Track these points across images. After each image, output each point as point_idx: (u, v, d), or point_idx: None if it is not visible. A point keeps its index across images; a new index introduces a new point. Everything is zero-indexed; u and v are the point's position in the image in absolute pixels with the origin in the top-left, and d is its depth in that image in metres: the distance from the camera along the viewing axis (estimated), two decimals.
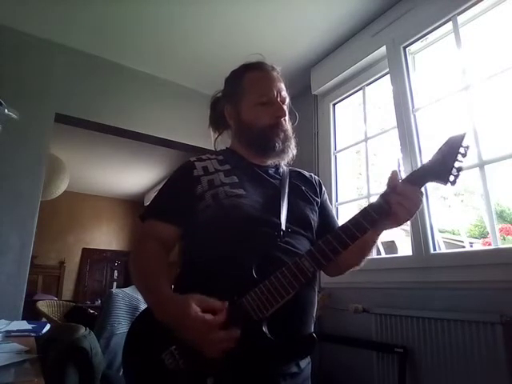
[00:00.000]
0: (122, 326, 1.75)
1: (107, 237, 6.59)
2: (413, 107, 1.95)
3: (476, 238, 4.07)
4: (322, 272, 0.92)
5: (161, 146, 2.86)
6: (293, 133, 1.00)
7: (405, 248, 3.21)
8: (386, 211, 0.75)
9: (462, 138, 0.75)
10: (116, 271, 6.60)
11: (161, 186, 0.97)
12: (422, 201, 0.76)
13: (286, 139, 0.96)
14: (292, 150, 0.99)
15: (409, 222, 0.83)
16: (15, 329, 1.41)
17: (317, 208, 1.00)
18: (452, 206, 3.46)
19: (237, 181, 0.90)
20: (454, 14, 1.78)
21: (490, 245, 1.60)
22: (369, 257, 0.93)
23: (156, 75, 2.74)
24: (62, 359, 1.07)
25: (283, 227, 0.85)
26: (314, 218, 0.97)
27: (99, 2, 2.06)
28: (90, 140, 3.97)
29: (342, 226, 0.77)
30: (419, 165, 1.81)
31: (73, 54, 2.45)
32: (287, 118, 0.98)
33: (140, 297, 1.85)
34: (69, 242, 6.13)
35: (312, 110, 2.67)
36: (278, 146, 0.95)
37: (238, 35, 2.31)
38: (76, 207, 6.20)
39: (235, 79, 1.03)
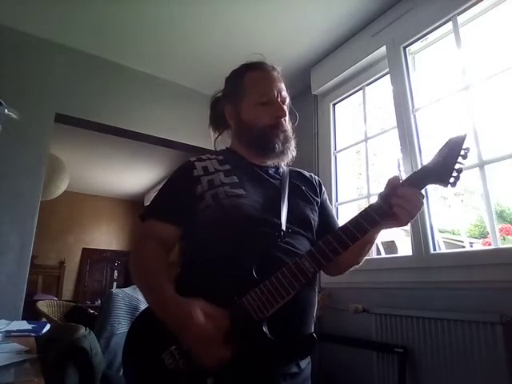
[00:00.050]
0: (121, 326, 1.75)
1: (107, 237, 6.59)
2: (413, 107, 1.95)
3: (476, 237, 4.08)
4: (322, 272, 0.92)
5: (161, 145, 2.86)
6: (293, 133, 1.00)
7: (405, 248, 3.22)
8: (387, 213, 0.75)
9: (462, 139, 0.75)
10: (116, 271, 6.60)
11: (161, 186, 0.97)
12: (422, 203, 0.76)
13: (286, 140, 0.96)
14: (292, 152, 0.99)
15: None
16: (15, 329, 1.41)
17: (317, 208, 1.00)
18: (452, 206, 3.46)
19: (237, 181, 0.90)
20: (454, 14, 1.78)
21: (490, 245, 1.60)
22: (368, 256, 0.93)
23: (156, 75, 2.74)
24: (61, 359, 1.07)
25: (283, 227, 0.85)
26: (314, 218, 0.97)
27: (99, 2, 2.06)
28: (89, 140, 3.97)
29: (343, 226, 0.77)
30: (419, 165, 1.81)
31: (73, 53, 2.45)
32: (287, 118, 0.98)
33: (140, 297, 1.85)
34: (69, 242, 6.13)
35: (312, 110, 2.67)
36: (278, 147, 0.95)
37: (238, 35, 2.31)
38: (76, 207, 6.20)
39: (236, 79, 1.03)
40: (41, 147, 2.25)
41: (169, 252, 0.89)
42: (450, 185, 0.74)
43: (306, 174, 1.09)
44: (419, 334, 1.64)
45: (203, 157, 0.99)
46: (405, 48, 2.04)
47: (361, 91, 2.39)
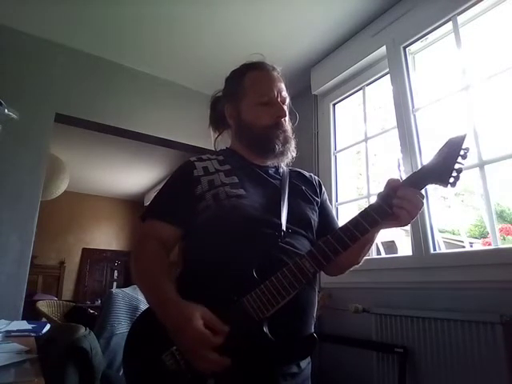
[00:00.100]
0: (122, 326, 1.75)
1: (107, 237, 6.59)
2: (413, 107, 1.95)
3: (476, 237, 4.08)
4: (322, 272, 0.92)
5: (161, 145, 2.86)
6: (293, 133, 1.00)
7: (405, 248, 3.22)
8: (387, 213, 0.75)
9: (462, 139, 0.75)
10: (116, 271, 6.60)
11: (161, 186, 0.97)
12: (422, 203, 0.76)
13: (286, 140, 0.96)
14: (292, 152, 0.99)
15: None
16: (15, 329, 1.41)
17: (317, 208, 1.00)
18: (452, 206, 3.46)
19: (237, 181, 0.90)
20: (454, 14, 1.78)
21: (490, 245, 1.60)
22: (368, 256, 0.93)
23: (156, 75, 2.74)
24: (61, 359, 1.07)
25: (283, 227, 0.85)
26: (314, 218, 0.97)
27: (99, 2, 2.06)
28: (89, 140, 3.97)
29: (343, 226, 0.77)
30: (419, 165, 1.81)
31: (73, 53, 2.45)
32: (287, 118, 0.98)
33: (140, 297, 1.85)
34: (69, 242, 6.13)
35: (312, 109, 2.67)
36: (278, 147, 0.95)
37: (238, 35, 2.31)
38: (76, 207, 6.20)
39: (236, 79, 1.03)
40: (41, 147, 2.25)
41: (169, 252, 0.89)
42: (449, 185, 0.74)
43: (306, 174, 1.09)
44: (419, 333, 1.63)
45: (203, 157, 0.99)
46: (405, 48, 2.04)
47: (361, 91, 2.39)
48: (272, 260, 0.79)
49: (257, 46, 2.33)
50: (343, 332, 2.05)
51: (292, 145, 0.99)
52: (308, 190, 1.01)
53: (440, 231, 1.96)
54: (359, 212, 0.78)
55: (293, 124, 1.02)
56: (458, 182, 0.74)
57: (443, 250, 1.79)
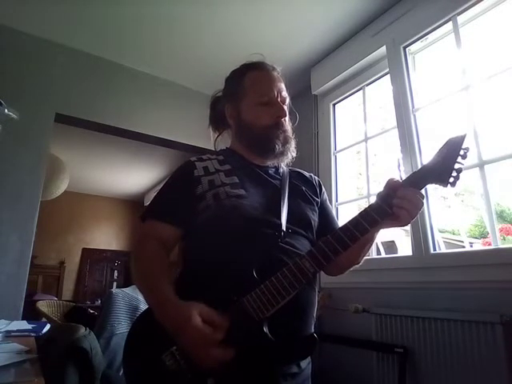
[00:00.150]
0: (122, 326, 1.75)
1: (107, 237, 6.59)
2: (413, 107, 1.95)
3: (476, 237, 4.08)
4: (322, 272, 0.92)
5: (161, 145, 2.86)
6: (293, 133, 1.00)
7: (405, 248, 3.22)
8: (387, 213, 0.75)
9: (462, 139, 0.75)
10: (116, 271, 6.60)
11: (161, 186, 0.97)
12: (422, 203, 0.76)
13: (286, 141, 0.96)
14: (292, 152, 0.99)
15: None
16: (15, 329, 1.41)
17: (317, 208, 1.00)
18: (452, 206, 3.46)
19: (237, 181, 0.90)
20: (454, 14, 1.78)
21: (490, 245, 1.60)
22: (368, 256, 0.93)
23: (156, 75, 2.74)
24: (61, 359, 1.07)
25: (284, 228, 0.85)
26: (314, 218, 0.97)
27: (99, 2, 2.06)
28: (89, 140, 3.97)
29: (343, 226, 0.77)
30: (419, 165, 1.81)
31: (73, 53, 2.45)
32: (287, 118, 0.98)
33: (140, 297, 1.85)
34: (69, 242, 6.13)
35: (312, 109, 2.67)
36: (278, 147, 0.95)
37: (238, 35, 2.31)
38: (76, 207, 6.20)
39: (236, 79, 1.03)
40: (41, 147, 2.25)
41: (169, 252, 0.89)
42: (449, 185, 0.74)
43: (306, 174, 1.09)
44: (419, 333, 1.63)
45: (203, 157, 0.99)
46: (405, 48, 2.04)
47: (361, 91, 2.39)
48: (272, 260, 0.79)
49: (257, 45, 2.33)
50: (343, 332, 2.05)
51: (292, 145, 0.99)
52: (308, 190, 1.01)
53: (440, 231, 1.96)
54: (359, 212, 0.78)
55: (293, 124, 1.02)
56: (457, 182, 0.74)
57: (443, 249, 1.79)
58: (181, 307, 0.72)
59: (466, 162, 0.76)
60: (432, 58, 2.09)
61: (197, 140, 2.72)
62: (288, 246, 0.84)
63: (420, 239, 1.78)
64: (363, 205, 2.32)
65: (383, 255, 2.36)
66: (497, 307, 1.40)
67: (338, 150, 2.49)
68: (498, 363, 1.35)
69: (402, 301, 1.78)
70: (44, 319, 3.46)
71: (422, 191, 0.76)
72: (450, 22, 1.82)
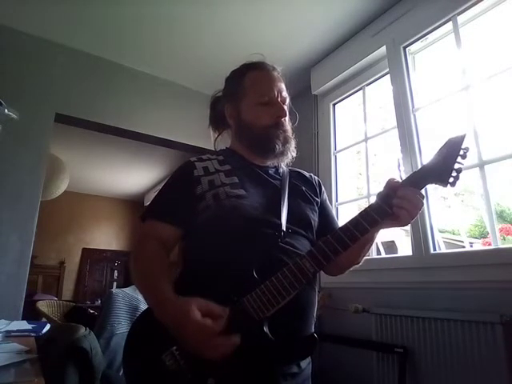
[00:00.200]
0: (122, 326, 1.75)
1: (107, 237, 6.59)
2: (413, 107, 1.95)
3: (476, 237, 4.08)
4: (322, 272, 0.92)
5: (161, 145, 2.86)
6: (293, 133, 1.00)
7: (405, 248, 3.22)
8: (387, 213, 0.76)
9: (461, 139, 0.75)
10: (116, 271, 6.60)
11: (161, 186, 0.97)
12: (422, 203, 0.76)
13: (286, 141, 0.96)
14: (292, 152, 0.99)
15: None
16: (15, 329, 1.41)
17: (317, 208, 1.00)
18: (452, 206, 3.46)
19: (237, 181, 0.90)
20: (454, 14, 1.78)
21: (490, 245, 1.60)
22: (368, 256, 0.93)
23: (156, 75, 2.74)
24: (61, 359, 1.07)
25: (284, 228, 0.85)
26: (314, 218, 0.97)
27: (99, 2, 2.06)
28: (89, 140, 3.97)
29: (343, 226, 0.77)
30: (419, 165, 1.81)
31: (73, 53, 2.45)
32: (287, 118, 0.98)
33: (140, 297, 1.85)
34: (69, 242, 6.13)
35: (312, 109, 2.67)
36: (278, 147, 0.95)
37: (238, 35, 2.31)
38: (76, 207, 6.20)
39: (236, 79, 1.03)
40: (41, 147, 2.25)
41: (169, 252, 0.89)
42: (449, 185, 0.74)
43: (306, 174, 1.09)
44: (419, 333, 1.64)
45: (203, 157, 0.99)
46: (405, 48, 2.04)
47: (361, 91, 2.39)
48: (272, 260, 0.79)
49: (257, 45, 2.33)
50: (343, 332, 2.05)
51: (292, 145, 0.99)
52: (308, 190, 1.01)
53: (440, 231, 1.96)
54: (359, 212, 0.78)
55: (293, 124, 1.02)
56: (457, 182, 0.74)
57: (443, 249, 1.80)
58: (179, 304, 0.72)
59: (466, 162, 0.76)
60: (432, 57, 2.09)
61: (197, 140, 2.72)
62: (288, 246, 0.84)
63: (420, 239, 1.78)
64: (363, 205, 2.32)
65: (383, 255, 2.36)
66: (497, 307, 1.40)
67: (338, 150, 2.49)
68: (497, 363, 1.35)
69: (402, 301, 1.78)
70: (44, 319, 3.47)
71: (422, 191, 0.76)
72: (450, 22, 1.82)
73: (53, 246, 5.85)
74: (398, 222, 0.77)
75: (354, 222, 0.76)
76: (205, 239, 0.87)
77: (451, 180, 0.74)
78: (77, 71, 2.46)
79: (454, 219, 3.90)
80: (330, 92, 2.58)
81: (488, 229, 1.63)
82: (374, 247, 2.14)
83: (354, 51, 2.29)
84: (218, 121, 1.09)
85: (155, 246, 0.86)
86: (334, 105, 2.59)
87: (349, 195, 2.44)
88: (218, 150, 1.07)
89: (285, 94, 0.99)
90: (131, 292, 1.88)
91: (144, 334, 0.82)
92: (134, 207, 6.74)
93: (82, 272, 6.18)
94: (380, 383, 1.75)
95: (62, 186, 4.06)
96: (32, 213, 2.14)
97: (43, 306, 3.75)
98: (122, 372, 1.42)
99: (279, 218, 0.86)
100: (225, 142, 1.09)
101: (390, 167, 2.80)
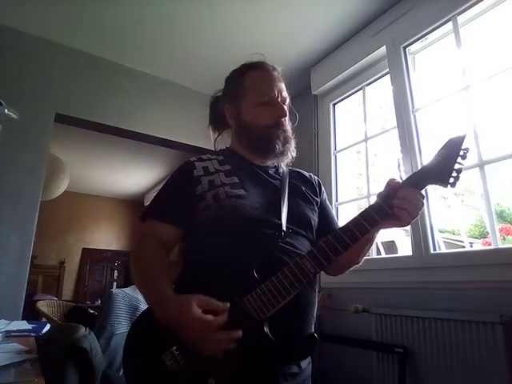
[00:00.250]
0: (122, 326, 1.75)
1: (107, 237, 6.59)
2: (413, 107, 1.95)
3: (476, 237, 4.08)
4: (322, 271, 0.92)
5: (161, 145, 2.86)
6: (293, 133, 1.00)
7: (405, 248, 3.22)
8: (387, 213, 0.76)
9: (462, 140, 0.75)
10: (116, 271, 6.60)
11: (161, 186, 0.97)
12: (423, 203, 0.76)
13: (286, 141, 0.96)
14: (292, 152, 0.99)
15: None
16: (15, 329, 1.41)
17: (317, 208, 1.00)
18: (452, 206, 3.46)
19: (237, 181, 0.90)
20: (454, 14, 1.78)
21: (490, 245, 1.60)
22: (368, 256, 0.93)
23: (156, 75, 2.74)
24: (61, 359, 1.07)
25: (284, 228, 0.85)
26: (314, 218, 0.97)
27: (99, 2, 2.06)
28: (89, 140, 3.97)
29: (343, 226, 0.77)
30: (419, 165, 1.81)
31: (73, 53, 2.45)
32: (287, 118, 0.98)
33: (140, 297, 1.85)
34: (69, 242, 6.13)
35: (312, 109, 2.67)
36: (278, 147, 0.95)
37: (238, 35, 2.31)
38: (76, 207, 6.20)
39: (236, 78, 1.03)
40: (41, 147, 2.25)
41: (169, 252, 0.90)
42: (449, 185, 0.75)
43: (306, 174, 1.09)
44: (419, 333, 1.63)
45: (203, 157, 0.99)
46: (405, 48, 2.04)
47: (361, 91, 2.39)
48: (272, 260, 0.79)
49: (257, 45, 2.33)
50: (343, 332, 2.05)
51: (292, 145, 0.99)
52: (308, 190, 1.01)
53: (440, 231, 1.96)
54: (359, 212, 0.78)
55: (293, 124, 1.02)
56: (457, 183, 0.74)
57: (443, 250, 1.79)
58: (180, 301, 0.72)
59: (466, 162, 0.76)
60: (432, 57, 2.09)
61: (197, 140, 2.72)
62: (288, 246, 0.84)
63: (420, 239, 1.78)
64: (363, 205, 2.32)
65: (383, 255, 2.36)
66: (497, 307, 1.40)
67: (338, 149, 2.49)
68: (498, 363, 1.35)
69: (402, 301, 1.78)
70: (44, 319, 3.46)
71: (422, 192, 0.76)
72: (450, 22, 1.81)
73: (53, 246, 5.85)
74: (399, 222, 0.77)
75: (355, 222, 0.76)
76: (205, 239, 0.87)
77: (451, 180, 0.74)
78: (77, 71, 2.46)
79: (454, 219, 3.90)
80: (329, 92, 2.58)
81: (488, 229, 1.63)
82: (374, 247, 2.14)
83: (354, 51, 2.29)
84: (217, 121, 1.09)
85: (155, 246, 0.86)
86: (334, 105, 2.59)
87: (349, 195, 2.44)
88: (217, 150, 1.07)
89: (285, 93, 0.99)
90: (131, 292, 1.88)
91: (144, 334, 0.82)
92: (134, 207, 6.74)
93: (82, 272, 6.18)
94: (380, 383, 1.75)
95: (62, 186, 4.06)
96: (32, 213, 2.14)
97: (43, 306, 3.75)
98: (121, 372, 1.42)
99: (279, 218, 0.86)
100: (225, 142, 1.09)
101: (390, 167, 2.80)
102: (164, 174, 5.26)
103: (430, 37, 1.96)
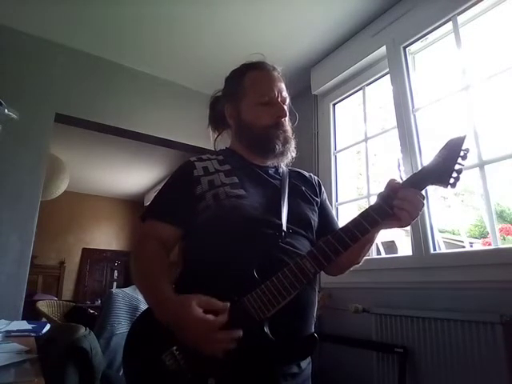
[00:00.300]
0: (122, 326, 1.75)
1: (107, 237, 6.59)
2: (413, 107, 1.95)
3: (476, 237, 4.08)
4: (322, 271, 0.92)
5: (161, 145, 2.86)
6: (293, 133, 1.00)
7: (405, 248, 3.22)
8: (388, 213, 0.76)
9: (462, 140, 0.75)
10: (116, 271, 6.60)
11: (161, 186, 0.97)
12: (423, 204, 0.76)
13: (286, 141, 0.96)
14: (291, 152, 0.99)
15: None
16: (15, 329, 1.41)
17: (317, 208, 1.00)
18: (452, 206, 3.46)
19: (237, 181, 0.90)
20: (454, 14, 1.78)
21: (490, 245, 1.60)
22: (368, 256, 0.93)
23: (156, 75, 2.74)
24: (61, 359, 1.07)
25: (284, 228, 0.85)
26: (314, 218, 0.97)
27: (99, 2, 2.06)
28: (89, 140, 3.97)
29: (343, 227, 0.77)
30: (419, 165, 1.81)
31: (73, 53, 2.45)
32: (287, 118, 0.98)
33: (140, 297, 1.85)
34: (69, 242, 6.13)
35: (312, 109, 2.67)
36: (278, 147, 0.95)
37: (238, 35, 2.31)
38: (76, 207, 6.20)
39: (236, 78, 1.03)
40: (41, 147, 2.25)
41: (169, 252, 0.90)
42: (449, 185, 0.75)
43: (306, 174, 1.09)
44: (419, 333, 1.63)
45: (203, 157, 0.99)
46: (405, 48, 2.04)
47: (361, 91, 2.39)
48: (272, 260, 0.79)
49: (257, 45, 2.33)
50: (343, 332, 2.05)
51: (292, 145, 0.99)
52: (308, 190, 1.01)
53: (440, 231, 1.96)
54: (360, 212, 0.78)
55: (293, 124, 1.02)
56: (458, 183, 0.74)
57: (443, 250, 1.80)
58: (180, 300, 0.72)
59: (466, 162, 0.76)
60: (432, 57, 2.09)
61: (197, 140, 2.72)
62: (288, 246, 0.84)
63: (420, 239, 1.78)
64: (363, 205, 2.32)
65: (383, 255, 2.37)
66: (497, 307, 1.40)
67: (338, 149, 2.49)
68: (498, 363, 1.35)
69: (402, 301, 1.78)
70: (44, 319, 3.46)
71: (423, 192, 0.76)
72: (450, 22, 1.81)
73: (53, 246, 5.85)
74: (399, 222, 0.77)
75: (355, 223, 0.76)
76: (205, 239, 0.87)
77: (452, 181, 0.74)
78: (77, 71, 2.46)
79: (454, 219, 3.90)
80: (329, 92, 2.58)
81: (488, 229, 1.63)
82: (374, 247, 2.14)
83: (354, 51, 2.29)
84: (217, 121, 1.09)
85: (155, 246, 0.86)
86: (334, 105, 2.59)
87: (349, 195, 2.44)
88: (217, 150, 1.07)
89: (285, 93, 0.99)
90: (131, 292, 1.88)
91: (144, 334, 0.82)
92: (134, 207, 6.74)
93: (82, 272, 6.18)
94: (380, 383, 1.75)
95: (62, 186, 4.06)
96: (32, 213, 2.14)
97: (43, 306, 3.75)
98: (122, 372, 1.42)
99: (279, 218, 0.86)
100: (225, 142, 1.09)
101: (390, 167, 2.80)
102: (164, 173, 5.26)
103: (430, 37, 1.96)
